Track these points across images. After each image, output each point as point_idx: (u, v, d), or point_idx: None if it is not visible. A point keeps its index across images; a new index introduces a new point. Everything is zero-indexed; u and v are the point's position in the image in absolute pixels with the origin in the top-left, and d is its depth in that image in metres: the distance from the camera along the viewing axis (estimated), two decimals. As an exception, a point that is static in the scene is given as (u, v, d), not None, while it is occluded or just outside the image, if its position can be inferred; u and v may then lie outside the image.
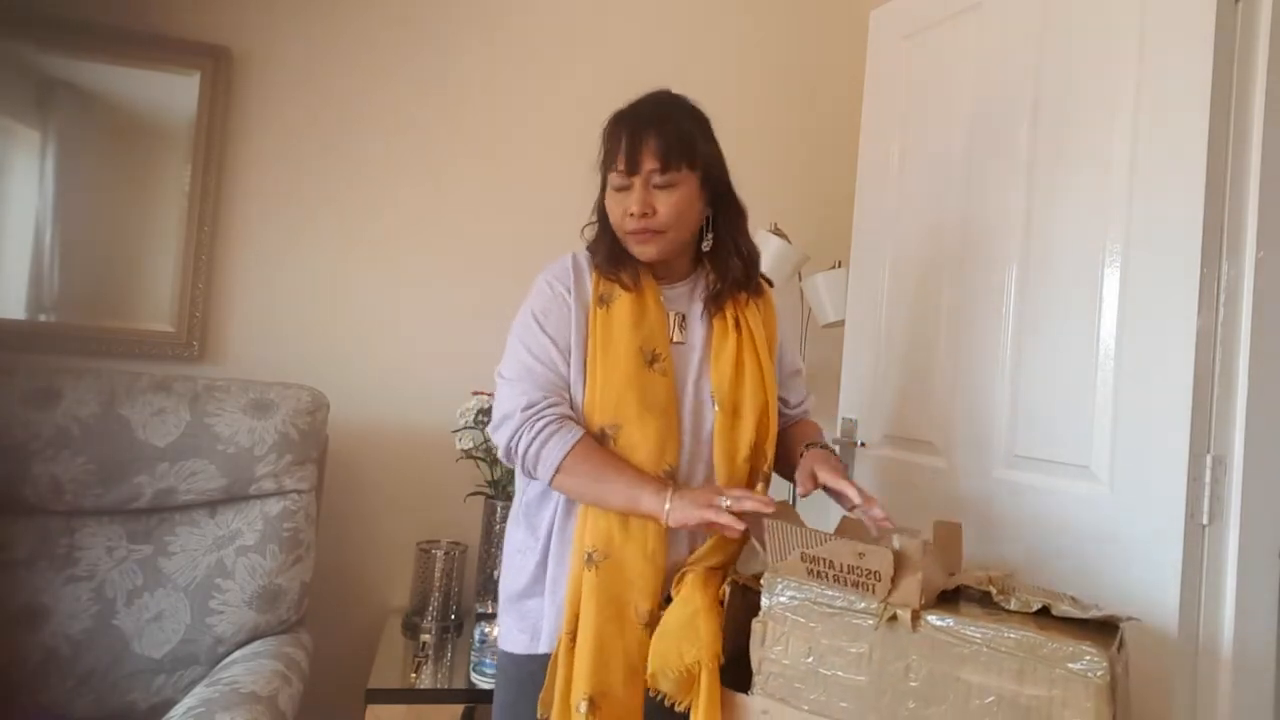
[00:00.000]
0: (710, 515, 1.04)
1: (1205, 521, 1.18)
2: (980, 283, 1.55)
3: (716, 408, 1.18)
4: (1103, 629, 0.97)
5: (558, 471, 1.11)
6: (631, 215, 1.15)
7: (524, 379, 1.16)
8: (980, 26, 1.60)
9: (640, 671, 1.08)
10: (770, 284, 1.34)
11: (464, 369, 1.96)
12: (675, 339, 1.22)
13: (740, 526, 1.04)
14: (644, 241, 1.17)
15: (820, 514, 1.99)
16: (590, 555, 1.11)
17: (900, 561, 1.00)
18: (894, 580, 1.00)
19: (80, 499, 1.53)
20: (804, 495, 1.19)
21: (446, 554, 1.86)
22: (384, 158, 2.03)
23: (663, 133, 1.15)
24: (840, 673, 1.02)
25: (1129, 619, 0.98)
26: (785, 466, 1.30)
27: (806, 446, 1.27)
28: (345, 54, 2.00)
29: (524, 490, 1.24)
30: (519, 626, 1.19)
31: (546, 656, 1.14)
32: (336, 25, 2.00)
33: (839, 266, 2.02)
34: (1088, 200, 1.35)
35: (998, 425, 1.48)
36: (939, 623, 0.97)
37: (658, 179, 1.15)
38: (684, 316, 1.24)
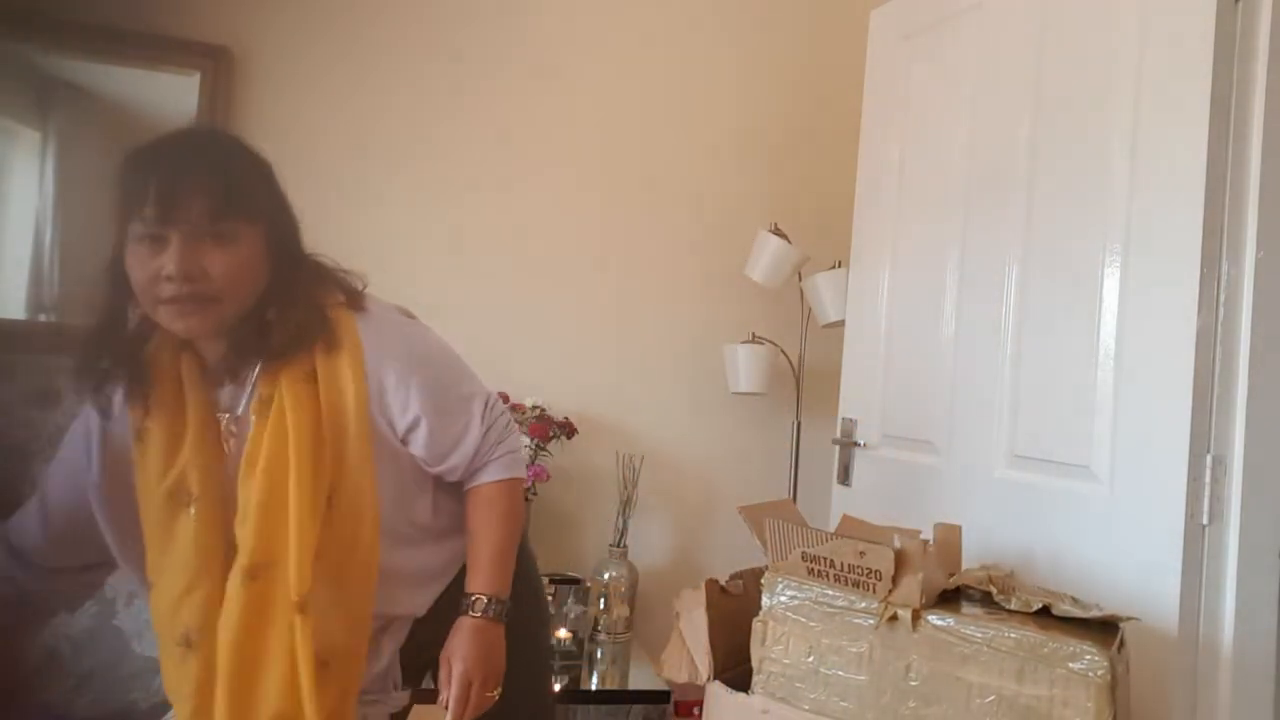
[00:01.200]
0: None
1: (1205, 521, 1.18)
2: (980, 283, 1.55)
3: (242, 530, 0.91)
4: (1103, 629, 0.97)
5: None
6: (168, 277, 0.87)
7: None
8: (980, 26, 1.60)
9: None
10: (360, 300, 1.02)
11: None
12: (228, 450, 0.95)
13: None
14: (183, 312, 0.89)
15: (821, 514, 1.99)
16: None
17: (901, 561, 1.00)
18: (894, 580, 1.00)
19: (80, 499, 1.53)
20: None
21: (446, 554, 1.86)
22: (384, 157, 2.02)
23: (214, 169, 0.92)
24: (840, 672, 1.03)
25: (1129, 619, 0.98)
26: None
27: (467, 603, 0.99)
28: (345, 54, 2.00)
29: None
30: None
31: None
32: (336, 25, 2.00)
33: (839, 266, 2.02)
34: (1088, 200, 1.35)
35: (998, 425, 1.48)
36: (939, 622, 0.97)
37: (207, 228, 0.89)
38: (238, 419, 0.96)
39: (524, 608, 1.07)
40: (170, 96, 1.88)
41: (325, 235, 2.07)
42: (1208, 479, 1.18)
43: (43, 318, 1.82)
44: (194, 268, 0.88)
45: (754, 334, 2.05)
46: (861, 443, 1.82)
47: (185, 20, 1.90)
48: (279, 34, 1.96)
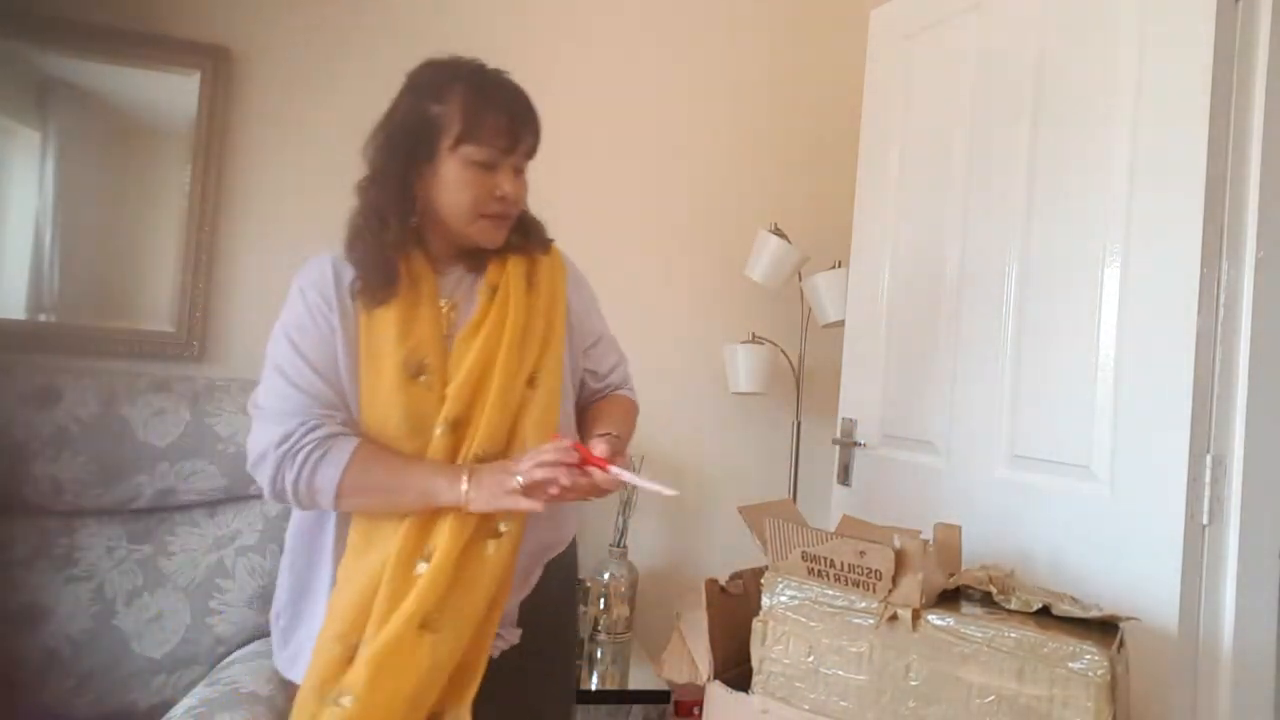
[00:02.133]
0: (508, 503, 0.98)
1: (1205, 521, 1.18)
2: (980, 283, 1.55)
3: (451, 387, 1.05)
4: (1103, 629, 0.97)
5: (339, 497, 1.01)
6: (501, 198, 1.07)
7: (279, 410, 1.03)
8: (980, 26, 1.60)
9: None
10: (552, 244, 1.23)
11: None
12: (448, 332, 1.10)
13: (539, 507, 0.98)
14: (499, 227, 1.10)
15: (821, 514, 1.99)
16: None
17: (901, 561, 1.00)
18: (894, 580, 1.00)
19: (80, 499, 1.53)
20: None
21: (446, 554, 1.86)
22: (384, 158, 2.03)
23: (535, 117, 1.10)
24: (840, 672, 1.03)
25: (1129, 619, 0.98)
26: None
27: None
28: (345, 54, 2.00)
29: None
30: None
31: None
32: (336, 25, 2.00)
33: (839, 266, 2.02)
34: (1088, 200, 1.35)
35: (998, 425, 1.48)
36: (939, 622, 0.97)
37: (521, 164, 1.10)
38: (455, 305, 1.13)
39: (560, 621, 1.23)
40: (170, 96, 1.88)
41: (326, 234, 2.07)
42: (1208, 479, 1.18)
43: (43, 318, 1.82)
44: (516, 192, 1.08)
45: (754, 334, 2.05)
46: (861, 443, 1.82)
47: (185, 20, 1.90)
48: (279, 34, 1.96)
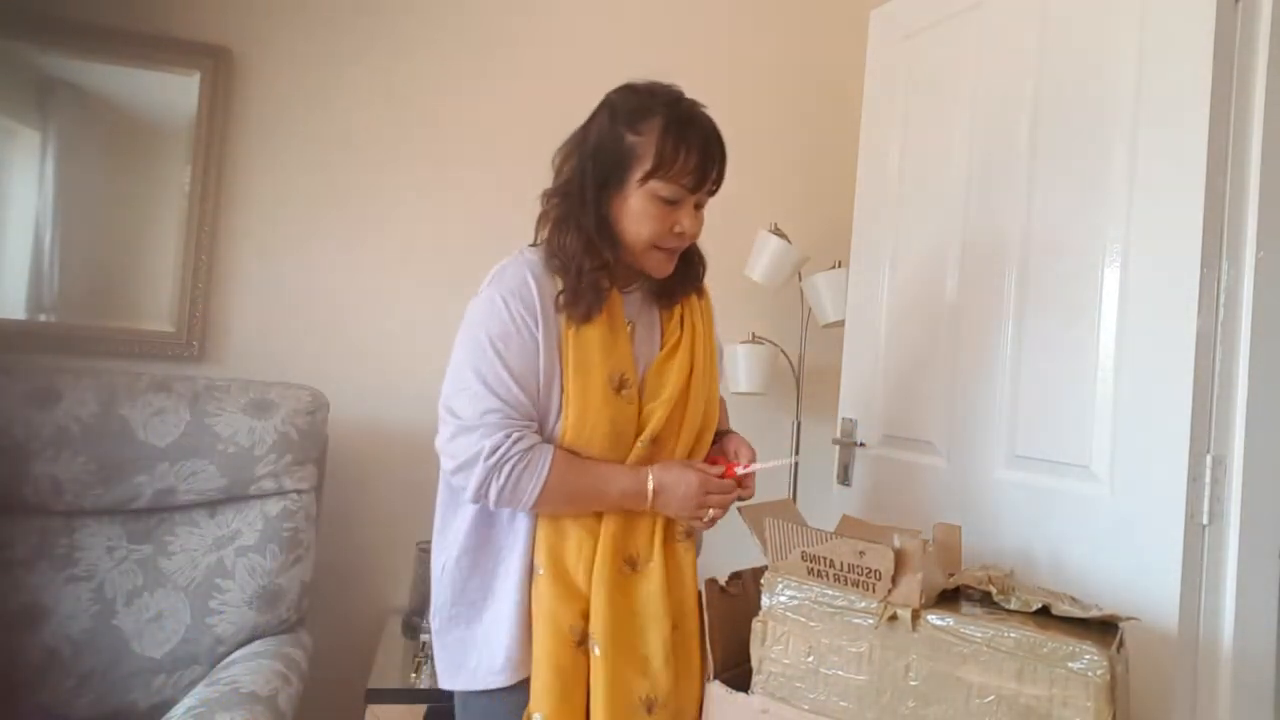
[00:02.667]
0: (698, 526, 1.12)
1: (1205, 521, 1.18)
2: (980, 283, 1.55)
3: (658, 404, 1.15)
4: (1103, 629, 0.97)
5: (537, 505, 1.08)
6: (680, 234, 1.12)
7: (484, 422, 1.07)
8: (980, 26, 1.60)
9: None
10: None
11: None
12: (635, 351, 1.18)
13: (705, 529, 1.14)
14: (671, 260, 1.15)
15: (821, 514, 1.99)
16: (536, 570, 1.11)
17: (900, 560, 1.00)
18: (894, 579, 1.00)
19: (80, 499, 1.53)
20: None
21: (446, 554, 1.86)
22: (384, 157, 2.03)
23: (724, 157, 1.13)
24: (840, 672, 1.03)
25: (1129, 619, 0.98)
26: None
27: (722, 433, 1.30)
28: (345, 54, 2.00)
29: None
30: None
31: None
32: (336, 25, 2.00)
33: (839, 266, 2.02)
34: (1088, 201, 1.35)
35: (998, 425, 1.48)
36: (939, 622, 0.97)
37: (704, 200, 1.14)
38: (634, 325, 1.19)
39: None
40: (170, 96, 1.88)
41: (327, 233, 2.08)
42: (1208, 479, 1.18)
43: (43, 318, 1.82)
44: (694, 228, 1.13)
45: (754, 334, 2.05)
46: (861, 443, 1.82)
47: (185, 20, 1.90)
48: (279, 34, 1.96)
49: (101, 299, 1.85)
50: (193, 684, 1.45)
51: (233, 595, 1.55)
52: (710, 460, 1.22)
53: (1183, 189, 1.21)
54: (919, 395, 1.68)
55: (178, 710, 1.25)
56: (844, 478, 1.87)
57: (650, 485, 1.11)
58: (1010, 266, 1.49)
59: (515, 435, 1.06)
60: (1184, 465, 1.18)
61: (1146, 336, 1.25)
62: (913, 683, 0.98)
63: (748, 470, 1.19)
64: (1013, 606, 0.99)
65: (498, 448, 1.05)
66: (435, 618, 1.15)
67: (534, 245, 1.18)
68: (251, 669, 1.39)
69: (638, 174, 1.09)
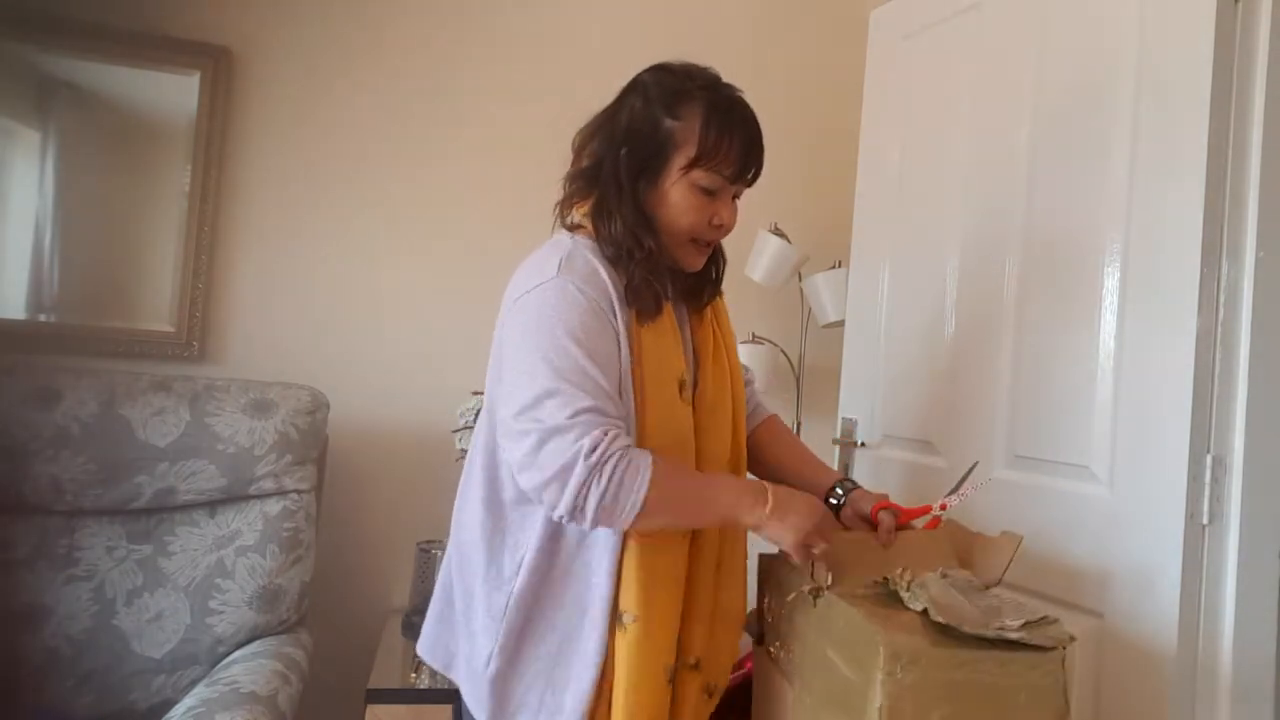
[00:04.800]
0: (800, 558, 0.99)
1: (1205, 521, 1.18)
2: (980, 283, 1.55)
3: (694, 406, 1.08)
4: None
5: (640, 514, 0.93)
6: (719, 226, 1.06)
7: (578, 423, 0.92)
8: (980, 26, 1.60)
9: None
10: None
11: (464, 369, 1.95)
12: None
13: (826, 564, 1.02)
14: (704, 253, 1.10)
15: (820, 514, 1.98)
16: (621, 617, 0.99)
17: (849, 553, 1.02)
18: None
19: (80, 499, 1.53)
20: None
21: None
22: (384, 157, 2.03)
23: (763, 145, 1.07)
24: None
25: (1054, 647, 0.90)
26: (803, 483, 1.18)
27: (843, 488, 1.18)
28: (345, 54, 2.00)
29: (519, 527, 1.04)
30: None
31: None
32: (337, 25, 2.00)
33: (839, 266, 2.01)
34: (1088, 200, 1.35)
35: (998, 425, 1.48)
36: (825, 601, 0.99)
37: (740, 191, 1.09)
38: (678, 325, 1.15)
39: None
40: (170, 96, 1.88)
41: (327, 233, 2.07)
42: (1208, 479, 1.18)
43: (43, 318, 1.82)
44: (731, 221, 1.07)
45: (754, 334, 2.05)
46: (861, 443, 1.82)
47: (185, 20, 1.90)
48: (279, 34, 1.96)
49: (101, 299, 1.85)
50: (193, 684, 1.45)
51: (233, 595, 1.55)
52: (873, 517, 1.12)
53: (1183, 188, 1.21)
54: (919, 395, 1.68)
55: (178, 710, 1.25)
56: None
57: (771, 493, 0.98)
58: (1010, 266, 1.49)
59: (613, 433, 0.92)
60: (1184, 465, 1.18)
61: (1146, 336, 1.25)
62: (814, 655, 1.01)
63: (944, 510, 1.08)
64: (917, 606, 0.94)
65: (597, 446, 0.90)
66: (482, 660, 1.02)
67: (571, 232, 1.08)
68: (251, 669, 1.39)
69: (679, 162, 1.02)
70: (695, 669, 1.05)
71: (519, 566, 1.01)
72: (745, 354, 2.01)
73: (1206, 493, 1.18)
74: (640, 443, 0.99)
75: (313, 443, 1.69)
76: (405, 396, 2.01)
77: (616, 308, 1.00)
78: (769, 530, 0.98)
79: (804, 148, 2.26)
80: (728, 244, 1.26)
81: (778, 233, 2.00)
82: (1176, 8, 1.24)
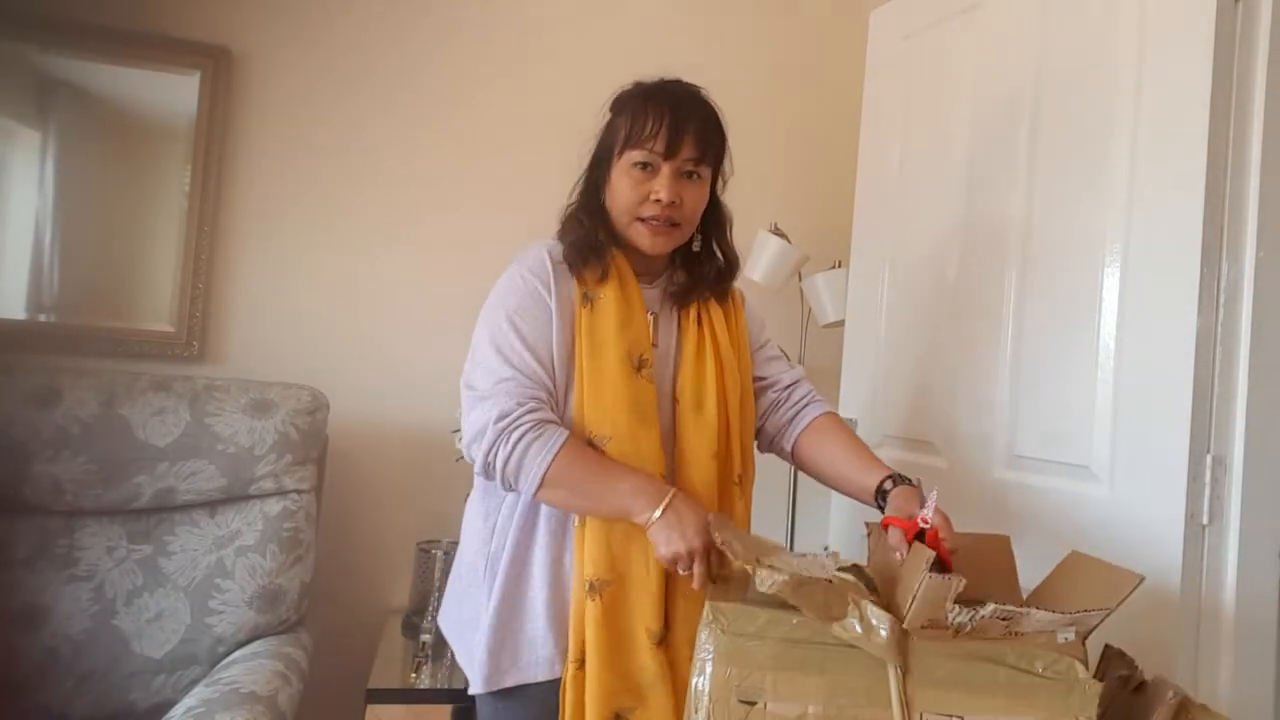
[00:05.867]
0: (679, 568, 1.00)
1: (1205, 521, 1.18)
2: (980, 283, 1.55)
3: (677, 403, 1.14)
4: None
5: (541, 485, 1.03)
6: (657, 201, 1.10)
7: (497, 391, 1.05)
8: (980, 26, 1.60)
9: (659, 684, 1.05)
10: (743, 297, 1.32)
11: (464, 368, 1.95)
12: (654, 341, 1.16)
13: (698, 586, 1.00)
14: (659, 234, 1.12)
15: (821, 513, 1.99)
16: (592, 584, 1.05)
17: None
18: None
19: (80, 499, 1.53)
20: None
21: (446, 554, 1.85)
22: (384, 157, 2.03)
23: (708, 124, 1.12)
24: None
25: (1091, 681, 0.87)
26: (849, 486, 1.21)
27: (891, 482, 1.13)
28: (346, 54, 2.00)
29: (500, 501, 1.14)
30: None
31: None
32: (337, 25, 2.00)
33: (839, 266, 2.01)
34: (1088, 200, 1.35)
35: (998, 425, 1.48)
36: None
37: (689, 168, 1.11)
38: (657, 318, 1.19)
39: None
40: (170, 96, 1.88)
41: (327, 233, 2.08)
42: (1208, 479, 1.18)
43: (43, 318, 1.82)
44: (675, 196, 1.10)
45: (754, 334, 2.05)
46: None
47: (185, 20, 1.90)
48: (279, 34, 1.96)
49: (101, 299, 1.85)
50: (193, 684, 1.45)
51: (233, 595, 1.55)
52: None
53: (1183, 188, 1.20)
54: (919, 395, 1.68)
55: (177, 710, 1.25)
56: (844, 478, 1.86)
57: (670, 496, 1.01)
58: (1010, 266, 1.49)
59: (529, 406, 1.04)
60: (1184, 465, 1.17)
61: (1146, 336, 1.24)
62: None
63: (926, 524, 0.99)
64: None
65: (507, 413, 1.03)
66: (480, 617, 1.11)
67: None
68: (251, 669, 1.39)
69: (617, 149, 1.12)
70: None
71: (492, 531, 1.13)
72: (745, 354, 2.01)
73: (1206, 493, 1.18)
74: (582, 408, 1.08)
75: (313, 443, 1.69)
76: (405, 396, 2.01)
77: (553, 288, 1.10)
78: (650, 535, 1.02)
79: (804, 148, 2.27)
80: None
81: (778, 233, 2.00)
82: (1176, 8, 1.24)
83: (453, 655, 1.71)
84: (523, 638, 1.10)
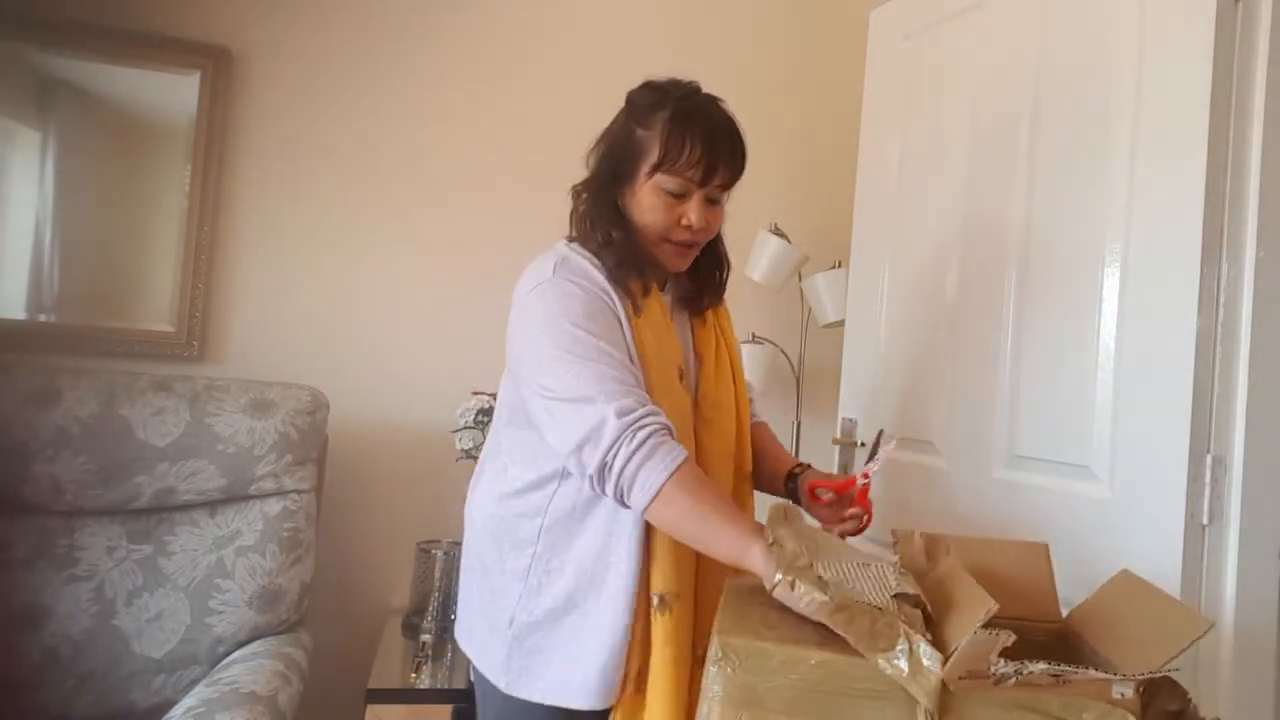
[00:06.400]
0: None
1: (1205, 521, 1.18)
2: (980, 283, 1.55)
3: (697, 406, 1.13)
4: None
5: (655, 498, 0.91)
6: (687, 226, 1.09)
7: (605, 390, 0.94)
8: (980, 26, 1.60)
9: None
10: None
11: (464, 369, 1.96)
12: None
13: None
14: (683, 254, 1.13)
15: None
16: (661, 598, 1.01)
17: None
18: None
19: (80, 499, 1.53)
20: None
21: (446, 554, 1.86)
22: (384, 157, 2.03)
23: (737, 150, 1.10)
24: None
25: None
26: (766, 480, 1.27)
27: (798, 469, 1.24)
28: (346, 54, 2.00)
29: (548, 500, 1.07)
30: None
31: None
32: (337, 25, 2.00)
33: (839, 266, 2.02)
34: (1088, 200, 1.35)
35: (998, 425, 1.48)
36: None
37: (716, 194, 1.11)
38: (671, 325, 1.18)
39: None
40: (170, 96, 1.88)
41: (327, 233, 2.07)
42: (1208, 479, 1.18)
43: (43, 318, 1.82)
44: (705, 222, 1.10)
45: (754, 334, 2.05)
46: (861, 443, 1.82)
47: (185, 20, 1.90)
48: (279, 34, 1.96)
49: (101, 299, 1.85)
50: (193, 684, 1.45)
51: (233, 595, 1.55)
52: (811, 493, 1.20)
53: (1183, 189, 1.20)
54: (919, 395, 1.68)
55: (177, 710, 1.25)
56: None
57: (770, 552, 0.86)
58: (1010, 266, 1.48)
59: (651, 408, 0.95)
60: (1184, 465, 1.17)
61: (1146, 336, 1.24)
62: None
63: (867, 479, 1.14)
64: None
65: (630, 410, 0.93)
66: (503, 621, 1.07)
67: (570, 240, 1.15)
68: (251, 669, 1.39)
69: (645, 167, 1.08)
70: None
71: (538, 531, 1.07)
72: (745, 354, 2.01)
73: (1206, 493, 1.18)
74: None
75: (313, 443, 1.69)
76: (405, 396, 2.01)
77: (612, 293, 1.07)
78: (777, 594, 0.85)
79: (804, 148, 2.27)
80: (728, 243, 1.27)
81: (778, 233, 2.00)
82: (1176, 8, 1.24)
83: (453, 654, 1.72)
84: (564, 654, 1.03)
